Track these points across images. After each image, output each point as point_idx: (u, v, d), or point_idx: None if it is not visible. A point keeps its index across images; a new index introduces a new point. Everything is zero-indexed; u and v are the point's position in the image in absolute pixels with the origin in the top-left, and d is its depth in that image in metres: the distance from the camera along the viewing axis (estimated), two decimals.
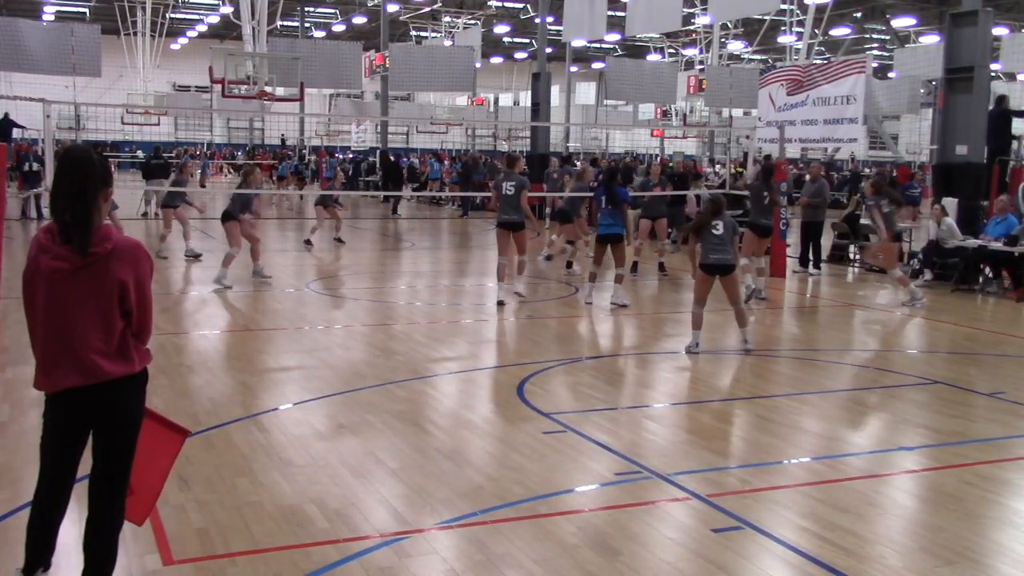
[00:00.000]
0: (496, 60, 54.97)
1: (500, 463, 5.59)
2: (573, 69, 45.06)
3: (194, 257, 14.77)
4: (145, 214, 22.60)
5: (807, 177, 18.92)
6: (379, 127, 38.71)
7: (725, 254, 8.69)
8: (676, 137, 49.58)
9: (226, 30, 44.12)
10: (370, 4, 39.31)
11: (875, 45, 45.63)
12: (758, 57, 46.41)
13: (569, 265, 14.49)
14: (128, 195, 24.52)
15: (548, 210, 22.67)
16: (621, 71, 25.04)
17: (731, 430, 6.60)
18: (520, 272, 11.93)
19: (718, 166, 35.72)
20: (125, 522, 3.66)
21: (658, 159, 40.63)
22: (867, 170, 36.53)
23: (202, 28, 47.70)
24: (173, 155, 28.95)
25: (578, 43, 37.61)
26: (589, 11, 23.45)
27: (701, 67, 36.35)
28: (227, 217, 12.47)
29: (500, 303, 11.14)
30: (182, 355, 8.30)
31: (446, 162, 34.96)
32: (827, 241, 16.87)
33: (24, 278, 3.43)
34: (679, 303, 12.34)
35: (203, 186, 32.45)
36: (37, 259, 3.36)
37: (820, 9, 28.94)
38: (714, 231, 8.62)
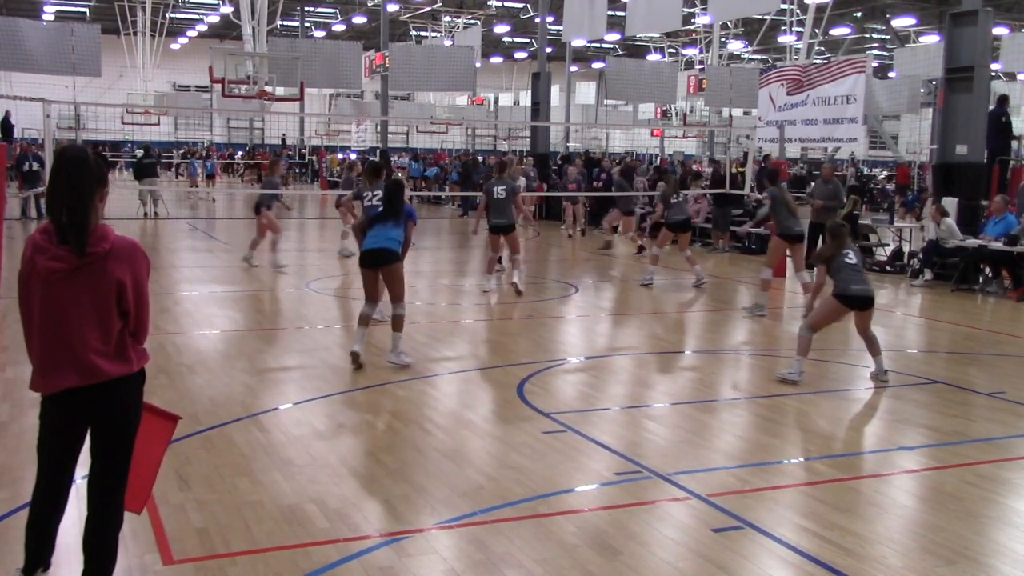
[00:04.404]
0: (496, 60, 54.97)
1: (500, 463, 5.59)
2: (573, 69, 45.04)
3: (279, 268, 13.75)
4: (146, 214, 22.58)
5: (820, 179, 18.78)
6: (379, 127, 38.73)
7: (867, 284, 7.86)
8: (676, 137, 49.57)
9: (226, 30, 44.11)
10: (370, 4, 39.32)
11: (875, 45, 45.64)
12: (758, 57, 46.42)
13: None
14: (130, 195, 24.51)
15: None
16: (621, 71, 25.03)
17: (731, 430, 6.59)
18: (515, 267, 12.31)
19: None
20: (125, 521, 3.66)
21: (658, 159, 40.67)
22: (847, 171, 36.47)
23: (202, 28, 47.71)
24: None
25: (578, 43, 37.62)
26: (589, 11, 23.44)
27: (701, 67, 36.31)
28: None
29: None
30: (182, 355, 8.30)
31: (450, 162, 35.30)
32: None
33: (20, 279, 3.40)
34: (679, 303, 12.34)
35: (195, 186, 32.73)
36: (33, 260, 3.33)
37: (820, 9, 28.90)
38: (847, 259, 7.81)
